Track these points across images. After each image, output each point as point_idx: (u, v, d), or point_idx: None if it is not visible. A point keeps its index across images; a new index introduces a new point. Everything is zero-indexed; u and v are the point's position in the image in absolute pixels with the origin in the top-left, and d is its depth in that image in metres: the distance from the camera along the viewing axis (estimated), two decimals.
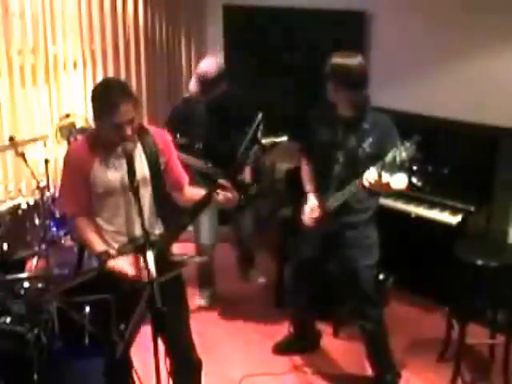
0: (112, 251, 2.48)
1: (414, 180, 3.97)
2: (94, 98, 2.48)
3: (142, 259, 2.29)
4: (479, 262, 3.16)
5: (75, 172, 2.52)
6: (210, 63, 3.83)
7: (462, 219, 3.76)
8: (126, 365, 2.67)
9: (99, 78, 4.94)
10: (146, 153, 2.55)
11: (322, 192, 3.15)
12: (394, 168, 2.82)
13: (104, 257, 2.43)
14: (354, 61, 2.95)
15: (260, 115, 3.48)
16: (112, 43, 5.00)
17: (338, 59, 2.96)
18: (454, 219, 3.78)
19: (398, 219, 3.97)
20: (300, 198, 3.31)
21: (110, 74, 5.03)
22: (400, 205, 4.01)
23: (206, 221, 4.04)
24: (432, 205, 3.93)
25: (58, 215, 3.87)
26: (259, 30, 5.08)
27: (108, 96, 2.41)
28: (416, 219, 3.93)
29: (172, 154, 2.70)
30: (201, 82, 3.75)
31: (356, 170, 2.95)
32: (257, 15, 5.10)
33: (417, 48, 4.27)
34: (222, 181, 2.54)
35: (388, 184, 2.84)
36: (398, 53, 4.39)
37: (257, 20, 5.10)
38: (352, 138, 3.02)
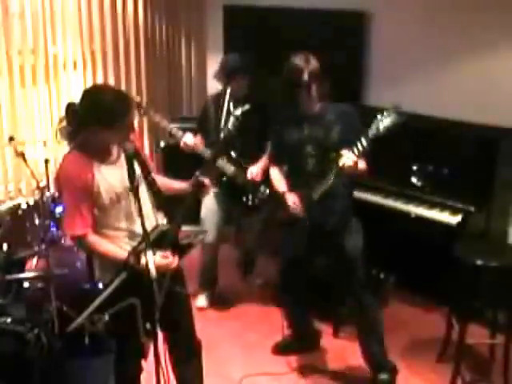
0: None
1: (414, 180, 3.98)
2: (106, 107, 2.41)
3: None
4: (479, 262, 3.16)
5: (79, 190, 2.45)
6: (235, 56, 4.00)
7: (462, 219, 3.76)
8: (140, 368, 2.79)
9: (99, 79, 4.95)
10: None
11: (301, 188, 3.17)
12: (380, 137, 2.86)
13: (133, 260, 2.41)
14: (313, 61, 3.00)
15: (228, 91, 3.82)
16: (112, 43, 5.00)
17: (291, 63, 3.01)
18: (454, 219, 3.78)
19: (398, 219, 3.97)
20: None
21: (110, 74, 5.03)
22: (400, 205, 4.01)
23: (210, 220, 4.04)
24: (432, 205, 3.92)
25: (58, 215, 3.88)
26: (259, 29, 5.08)
27: (120, 100, 2.42)
28: (416, 219, 3.93)
29: (142, 148, 2.80)
30: (223, 69, 3.90)
31: (329, 160, 3.01)
32: (257, 15, 5.10)
33: (417, 48, 4.27)
34: (201, 178, 2.73)
35: (357, 163, 2.90)
36: (398, 53, 4.39)
37: (257, 20, 5.10)
38: (319, 130, 3.10)
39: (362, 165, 3.00)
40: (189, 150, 3.94)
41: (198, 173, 2.74)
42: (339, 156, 2.90)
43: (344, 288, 3.38)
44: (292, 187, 3.25)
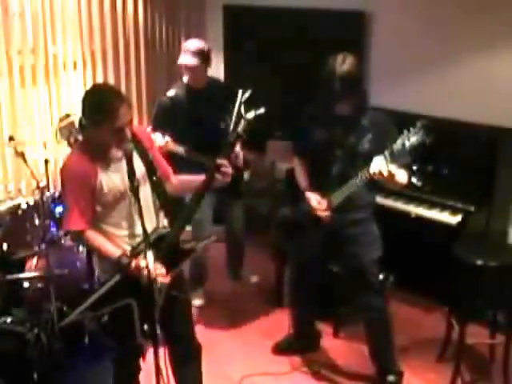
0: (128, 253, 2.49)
1: (414, 180, 3.98)
2: (91, 107, 2.44)
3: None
4: (479, 262, 3.16)
5: (81, 186, 2.48)
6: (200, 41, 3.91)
7: (462, 219, 3.76)
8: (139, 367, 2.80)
9: (99, 79, 4.94)
10: (137, 151, 2.56)
11: (322, 191, 3.15)
12: (403, 154, 2.83)
13: (124, 260, 2.43)
14: (350, 62, 2.94)
15: (241, 92, 3.71)
16: (112, 43, 5.00)
17: (334, 62, 2.94)
18: (454, 219, 3.78)
19: (398, 219, 3.97)
20: (300, 198, 3.31)
21: (110, 74, 5.03)
22: (400, 205, 4.01)
23: (201, 221, 4.02)
24: (432, 205, 3.93)
25: (58, 215, 3.88)
26: (259, 30, 5.08)
27: (107, 102, 2.40)
28: (416, 219, 3.93)
29: (155, 148, 2.77)
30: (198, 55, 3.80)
31: (355, 167, 2.98)
32: (257, 15, 5.10)
33: (417, 48, 4.27)
34: (220, 160, 2.61)
35: (393, 175, 2.85)
36: (397, 53, 4.39)
37: (257, 20, 5.10)
38: (351, 135, 3.04)
39: (403, 177, 2.94)
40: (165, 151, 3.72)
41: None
42: (368, 165, 2.87)
43: (355, 292, 3.35)
44: (312, 188, 3.23)
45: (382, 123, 3.06)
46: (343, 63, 2.92)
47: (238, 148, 3.95)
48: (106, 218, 2.56)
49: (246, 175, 4.08)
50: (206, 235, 3.95)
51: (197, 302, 4.20)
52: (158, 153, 2.79)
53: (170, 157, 3.85)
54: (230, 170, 2.63)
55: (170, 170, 2.83)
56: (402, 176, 2.95)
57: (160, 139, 3.71)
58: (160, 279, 2.43)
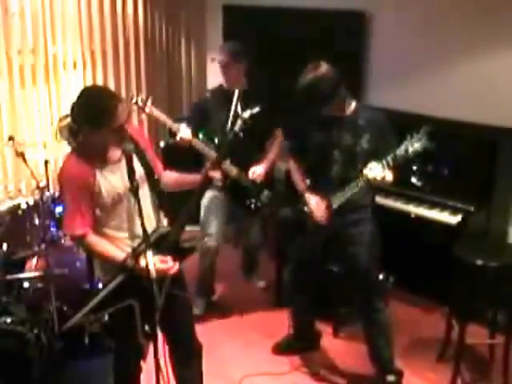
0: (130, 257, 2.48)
1: (414, 180, 3.98)
2: (88, 111, 2.42)
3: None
4: (479, 262, 3.16)
5: (80, 190, 2.46)
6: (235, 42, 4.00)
7: (462, 219, 3.76)
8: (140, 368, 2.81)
9: (99, 78, 4.95)
10: (135, 152, 2.55)
11: (322, 192, 3.15)
12: (404, 159, 2.84)
13: (129, 263, 2.43)
14: (317, 75, 2.95)
15: (237, 92, 3.78)
16: (112, 43, 5.00)
17: (302, 82, 2.95)
18: (454, 219, 3.78)
19: (398, 219, 3.97)
20: (299, 199, 3.31)
21: (110, 74, 5.03)
22: (400, 205, 4.01)
23: (212, 223, 4.01)
24: (432, 205, 3.93)
25: (58, 215, 3.88)
26: (259, 30, 5.08)
27: (103, 103, 2.40)
28: (416, 219, 3.93)
29: (150, 148, 2.78)
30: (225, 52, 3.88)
31: (355, 167, 2.98)
32: (257, 15, 5.10)
33: (417, 48, 4.27)
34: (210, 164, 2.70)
35: (383, 177, 2.88)
36: (397, 53, 4.39)
37: (257, 20, 5.10)
38: (348, 135, 3.04)
39: (389, 177, 2.95)
40: (186, 145, 3.85)
41: (207, 166, 2.72)
42: (365, 168, 2.89)
43: (355, 292, 3.36)
44: (312, 190, 3.23)
45: (378, 122, 3.07)
46: (310, 72, 2.94)
47: (257, 168, 3.98)
48: (106, 221, 2.55)
49: (265, 195, 4.00)
50: (203, 234, 3.96)
51: (195, 311, 4.00)
52: (151, 150, 2.80)
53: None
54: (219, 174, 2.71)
55: (161, 166, 2.84)
56: (388, 176, 2.95)
57: (185, 132, 3.80)
58: (158, 264, 2.42)
